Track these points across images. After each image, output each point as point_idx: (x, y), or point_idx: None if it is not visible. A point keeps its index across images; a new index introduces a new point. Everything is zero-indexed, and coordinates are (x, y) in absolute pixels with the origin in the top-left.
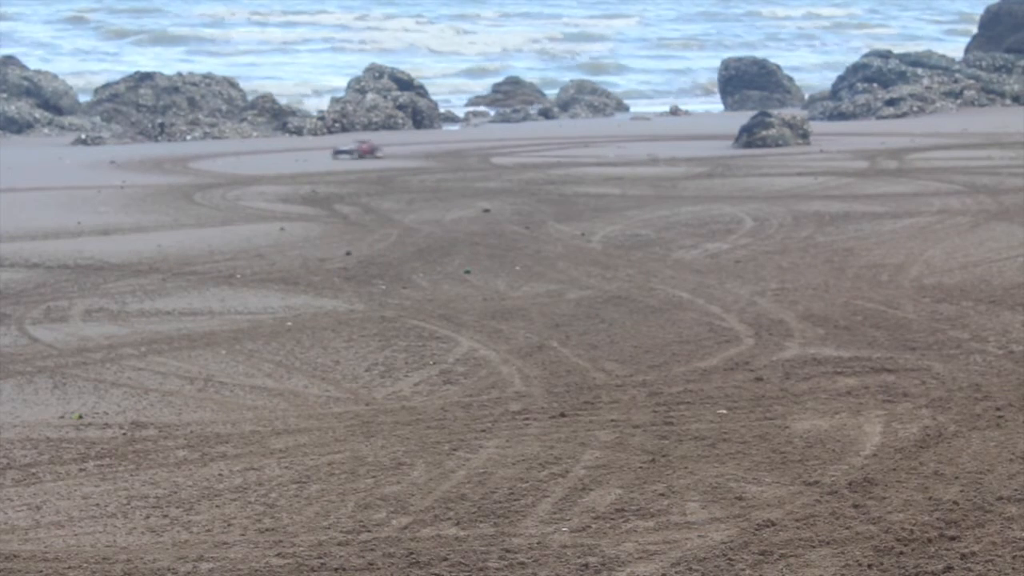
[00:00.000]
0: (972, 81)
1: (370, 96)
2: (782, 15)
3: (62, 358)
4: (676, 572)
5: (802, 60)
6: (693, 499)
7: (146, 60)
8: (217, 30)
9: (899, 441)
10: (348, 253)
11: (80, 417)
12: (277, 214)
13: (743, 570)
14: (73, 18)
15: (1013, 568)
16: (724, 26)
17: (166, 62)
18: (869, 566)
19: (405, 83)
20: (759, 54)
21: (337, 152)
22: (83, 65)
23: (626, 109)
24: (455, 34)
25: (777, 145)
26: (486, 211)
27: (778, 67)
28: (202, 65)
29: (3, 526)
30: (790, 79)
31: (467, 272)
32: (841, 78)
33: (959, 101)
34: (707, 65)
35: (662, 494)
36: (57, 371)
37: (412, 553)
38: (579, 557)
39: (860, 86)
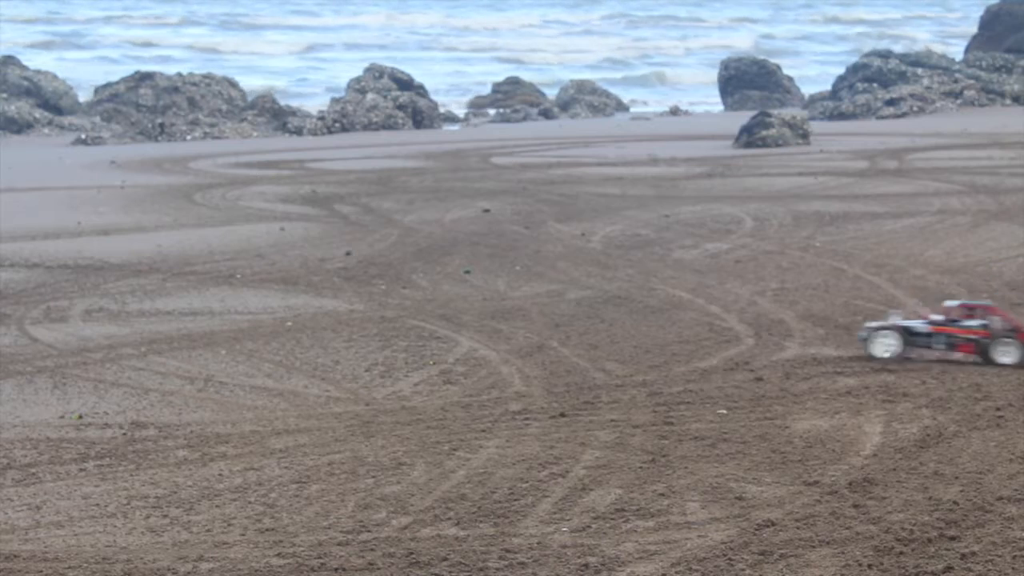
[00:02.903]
0: (972, 81)
1: (370, 96)
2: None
3: (62, 358)
4: (676, 572)
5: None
6: (693, 499)
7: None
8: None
9: (899, 441)
10: (348, 253)
11: (80, 417)
12: (277, 214)
13: (743, 570)
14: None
15: (1013, 568)
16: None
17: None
18: (869, 566)
19: (405, 83)
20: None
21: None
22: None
23: (626, 109)
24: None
25: (777, 145)
26: (486, 211)
27: (778, 67)
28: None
29: (3, 526)
30: (790, 79)
31: (467, 272)
32: (841, 78)
33: (959, 101)
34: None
35: (662, 494)
36: (57, 371)
37: (412, 553)
38: (579, 557)
39: (860, 86)
